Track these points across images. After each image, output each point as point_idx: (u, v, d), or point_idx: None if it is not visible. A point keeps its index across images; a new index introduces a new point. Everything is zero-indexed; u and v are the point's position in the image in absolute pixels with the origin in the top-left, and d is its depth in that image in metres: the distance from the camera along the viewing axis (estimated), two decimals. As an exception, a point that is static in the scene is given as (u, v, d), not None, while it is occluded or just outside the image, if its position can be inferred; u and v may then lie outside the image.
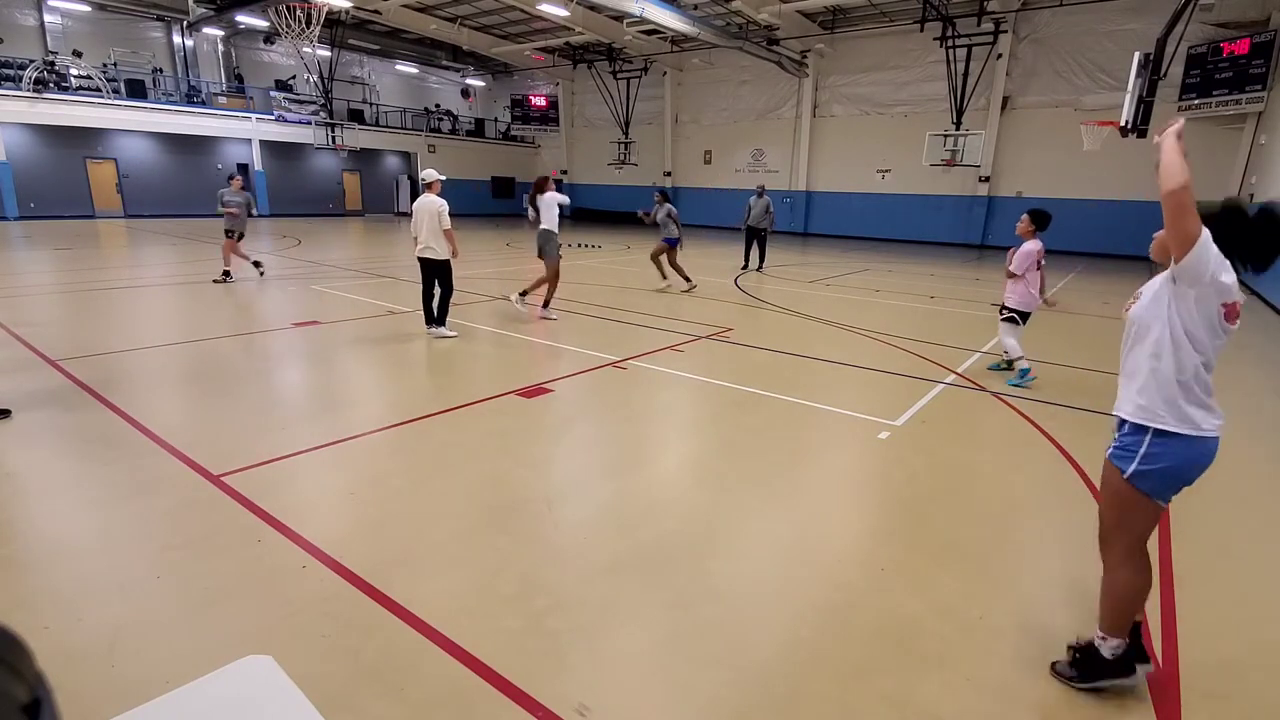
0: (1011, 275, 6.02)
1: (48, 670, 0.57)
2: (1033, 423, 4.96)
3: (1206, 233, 1.89)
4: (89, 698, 2.07)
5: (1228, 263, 1.95)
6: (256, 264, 10.93)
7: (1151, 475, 2.10)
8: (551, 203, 7.98)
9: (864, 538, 3.30)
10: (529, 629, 2.47)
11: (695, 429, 4.88)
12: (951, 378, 6.11)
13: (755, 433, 4.68)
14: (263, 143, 25.63)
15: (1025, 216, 6.08)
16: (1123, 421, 2.18)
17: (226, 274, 10.46)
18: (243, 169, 26.30)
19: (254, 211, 10.90)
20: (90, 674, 2.19)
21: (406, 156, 31.26)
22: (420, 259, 7.12)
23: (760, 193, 13.61)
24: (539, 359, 6.46)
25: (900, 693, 2.22)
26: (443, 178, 7.12)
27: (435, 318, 7.23)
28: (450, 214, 6.95)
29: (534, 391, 5.37)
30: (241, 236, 10.55)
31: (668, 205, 10.54)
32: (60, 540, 3.02)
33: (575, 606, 2.62)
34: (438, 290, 7.20)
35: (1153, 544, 3.10)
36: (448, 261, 7.08)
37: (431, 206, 6.84)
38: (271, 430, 4.40)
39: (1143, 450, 2.10)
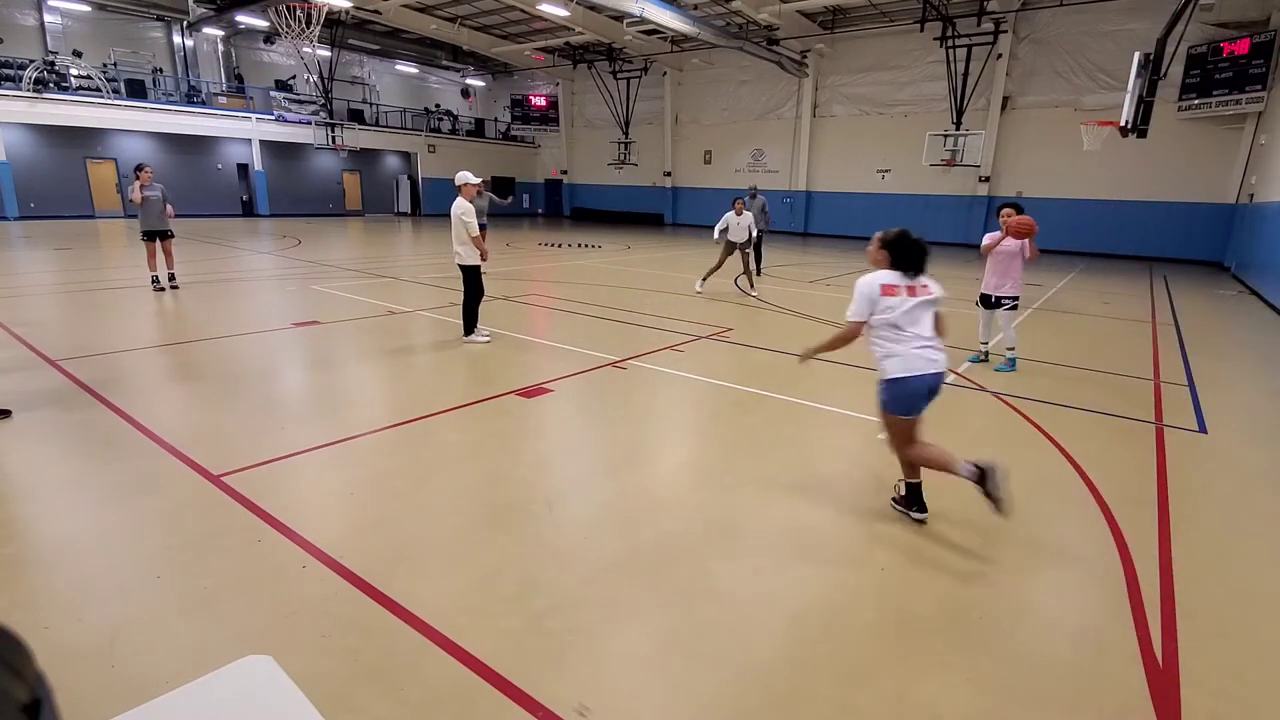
0: (1035, 256, 6.24)
1: (48, 670, 0.57)
2: (1033, 423, 4.96)
3: (857, 283, 3.31)
4: (89, 698, 2.07)
5: (877, 279, 3.29)
6: (171, 278, 9.58)
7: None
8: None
9: (864, 538, 3.30)
10: (529, 629, 2.47)
11: (695, 429, 4.88)
12: (951, 378, 6.11)
13: (755, 432, 4.68)
14: (263, 143, 25.63)
15: (1015, 211, 6.23)
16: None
17: (156, 279, 9.45)
18: (243, 169, 26.33)
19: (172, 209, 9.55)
20: (90, 674, 2.19)
21: (406, 156, 31.26)
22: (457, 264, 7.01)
23: (753, 194, 12.70)
24: (539, 359, 6.46)
25: (900, 693, 2.22)
26: (475, 181, 6.78)
27: (465, 326, 7.05)
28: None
29: (534, 391, 5.37)
30: (172, 236, 9.51)
31: (489, 194, 11.96)
32: (60, 540, 3.02)
33: (575, 606, 2.62)
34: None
35: (1150, 544, 3.24)
36: (468, 267, 6.87)
37: (455, 211, 6.73)
38: (271, 430, 4.40)
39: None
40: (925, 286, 3.29)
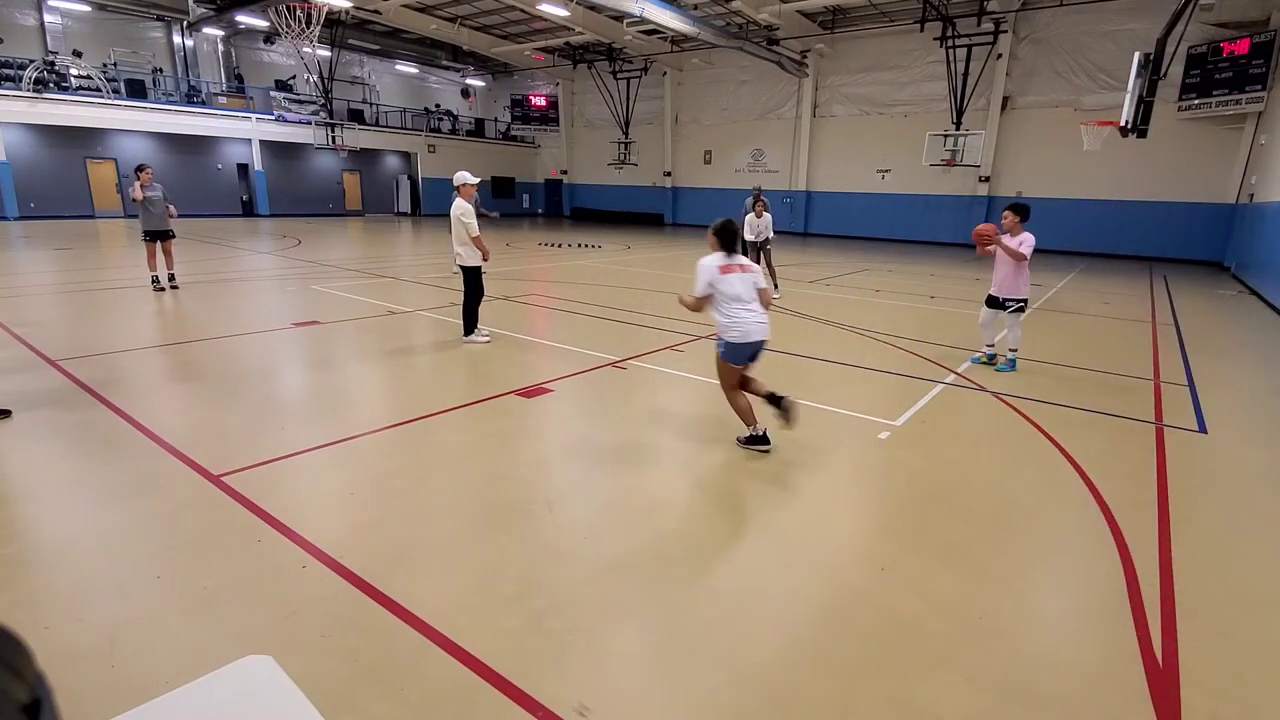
0: (1020, 258, 6.09)
1: (48, 670, 0.57)
2: (1033, 423, 4.96)
3: (700, 264, 4.12)
4: (89, 698, 2.07)
5: (714, 261, 4.10)
6: (171, 278, 9.60)
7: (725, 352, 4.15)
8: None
9: (864, 538, 3.30)
10: (529, 629, 2.47)
11: (695, 429, 4.88)
12: (951, 378, 6.11)
13: (755, 433, 4.67)
14: (263, 143, 25.62)
15: (1010, 213, 6.20)
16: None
17: (156, 279, 9.45)
18: (243, 169, 26.34)
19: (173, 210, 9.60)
20: (90, 674, 2.19)
21: (406, 156, 31.26)
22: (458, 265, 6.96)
23: (756, 196, 11.33)
24: (539, 359, 6.46)
25: (900, 693, 2.22)
26: (474, 181, 6.74)
27: (465, 326, 7.01)
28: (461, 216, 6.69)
29: (534, 391, 5.37)
30: (173, 236, 9.54)
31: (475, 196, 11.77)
32: (60, 540, 3.02)
33: (575, 606, 2.62)
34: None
35: (1150, 544, 3.22)
36: (469, 268, 6.83)
37: (454, 212, 6.69)
38: (271, 430, 4.40)
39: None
40: (745, 266, 4.17)
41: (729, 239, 4.16)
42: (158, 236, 9.39)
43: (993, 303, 6.38)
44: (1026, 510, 3.63)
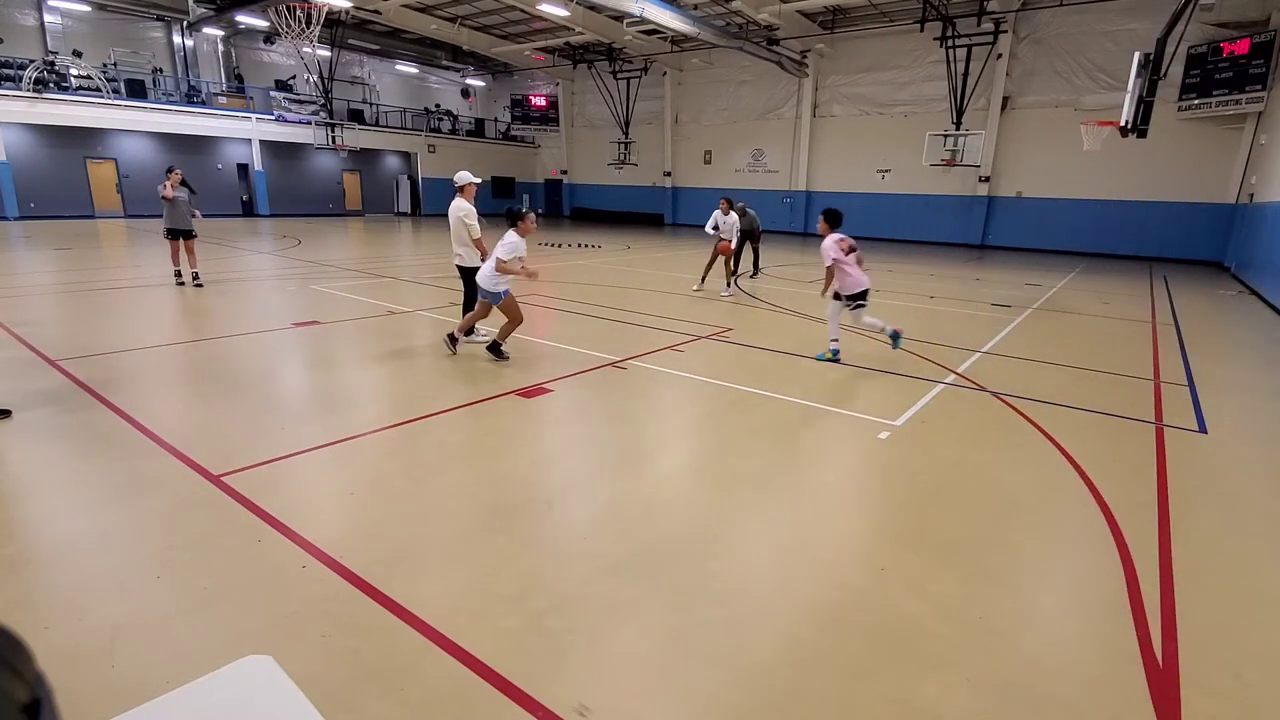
0: (828, 270, 6.49)
1: (48, 670, 0.57)
2: (1032, 422, 4.96)
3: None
4: (89, 698, 2.07)
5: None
6: (195, 276, 10.12)
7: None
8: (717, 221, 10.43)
9: (864, 538, 3.30)
10: (529, 629, 2.47)
11: (695, 429, 4.88)
12: (951, 378, 6.11)
13: (755, 433, 4.68)
14: (263, 143, 25.62)
15: (820, 218, 6.69)
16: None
17: (179, 273, 10.06)
18: (243, 169, 26.34)
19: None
20: (90, 674, 2.19)
21: (406, 156, 31.26)
22: (456, 266, 6.94)
23: (742, 210, 11.48)
24: (539, 359, 6.46)
25: (900, 693, 2.22)
26: (476, 181, 6.74)
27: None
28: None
29: (534, 391, 5.37)
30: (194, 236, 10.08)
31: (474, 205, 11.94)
32: (60, 540, 3.02)
33: (575, 606, 2.62)
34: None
35: (1150, 544, 3.24)
36: (469, 269, 6.75)
37: (456, 213, 6.64)
38: (271, 430, 4.40)
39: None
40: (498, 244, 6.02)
41: (510, 218, 6.11)
42: (179, 235, 9.90)
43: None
44: (1026, 510, 3.63)
